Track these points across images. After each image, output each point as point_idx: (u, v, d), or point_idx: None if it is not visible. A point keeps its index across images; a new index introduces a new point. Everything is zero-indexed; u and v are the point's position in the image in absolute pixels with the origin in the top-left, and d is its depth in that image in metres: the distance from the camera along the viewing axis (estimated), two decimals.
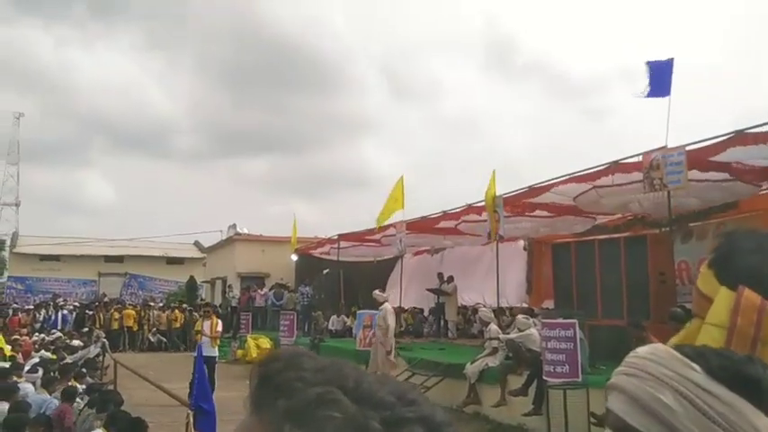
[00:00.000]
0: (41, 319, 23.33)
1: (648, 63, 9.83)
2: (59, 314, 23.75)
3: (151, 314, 24.24)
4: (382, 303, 12.16)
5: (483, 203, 13.47)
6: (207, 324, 13.12)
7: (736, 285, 1.13)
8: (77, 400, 8.40)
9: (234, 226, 30.04)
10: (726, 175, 10.23)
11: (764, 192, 11.91)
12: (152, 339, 23.50)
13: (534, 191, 12.63)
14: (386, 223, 17.53)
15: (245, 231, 29.11)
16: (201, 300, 28.01)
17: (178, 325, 23.49)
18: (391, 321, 11.87)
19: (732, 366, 0.73)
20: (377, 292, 12.57)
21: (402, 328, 18.77)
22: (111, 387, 10.04)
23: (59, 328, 21.24)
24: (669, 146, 9.52)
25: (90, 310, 24.75)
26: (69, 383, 9.13)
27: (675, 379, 0.74)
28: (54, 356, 12.85)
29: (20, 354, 13.09)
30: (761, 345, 1.10)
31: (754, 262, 1.14)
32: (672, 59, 9.78)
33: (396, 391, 0.55)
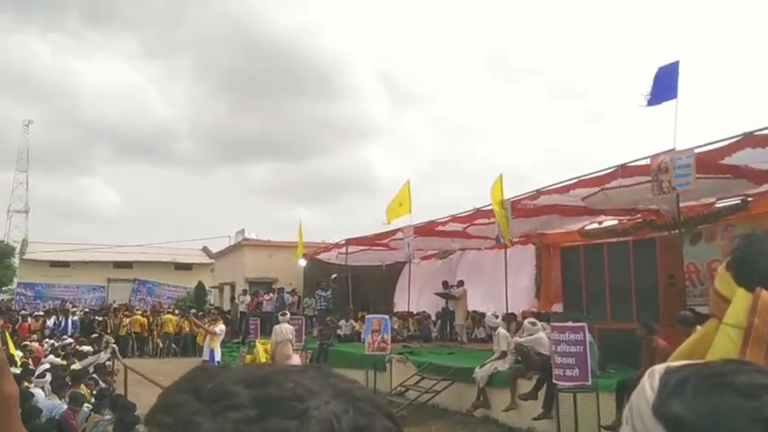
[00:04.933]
0: (51, 325, 23.39)
1: (659, 69, 9.80)
2: (69, 320, 23.81)
3: (159, 320, 24.29)
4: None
5: (491, 207, 13.48)
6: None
7: (753, 287, 1.14)
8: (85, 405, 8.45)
9: (242, 231, 30.09)
10: (731, 176, 10.25)
11: None
12: (161, 345, 23.57)
13: (542, 194, 12.65)
14: (392, 227, 17.56)
15: (254, 237, 29.14)
16: (210, 305, 28.09)
17: (187, 330, 23.52)
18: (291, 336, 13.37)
19: (665, 404, 0.73)
20: (280, 316, 13.92)
21: (409, 333, 18.80)
22: (120, 393, 10.07)
23: (69, 333, 21.29)
24: (677, 148, 9.50)
25: (98, 315, 24.83)
26: (77, 389, 9.19)
27: (635, 409, 0.75)
28: (64, 362, 12.91)
29: (30, 360, 13.15)
30: None
31: None
32: (677, 62, 9.76)
33: (249, 379, 0.54)
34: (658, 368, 0.79)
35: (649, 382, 0.76)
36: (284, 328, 13.23)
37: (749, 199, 12.00)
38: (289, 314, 14.74)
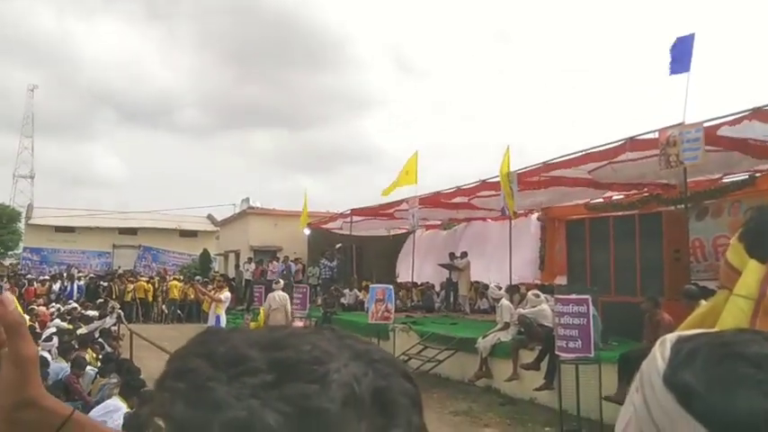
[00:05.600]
0: (57, 289, 23.58)
1: (677, 39, 9.68)
2: (75, 285, 24.00)
3: (165, 286, 24.45)
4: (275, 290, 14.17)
5: (497, 179, 13.43)
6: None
7: (765, 259, 1.13)
8: (88, 369, 8.56)
9: (247, 200, 30.18)
10: (739, 153, 10.17)
11: None
12: (166, 311, 23.75)
13: (548, 167, 12.59)
14: (397, 198, 17.56)
15: (258, 205, 29.20)
16: (215, 272, 28.25)
17: (192, 297, 23.69)
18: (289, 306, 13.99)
19: (676, 373, 0.71)
20: (274, 285, 14.77)
21: (412, 303, 18.90)
22: (125, 357, 10.18)
23: (75, 298, 21.47)
24: (686, 122, 9.42)
25: (104, 281, 25.01)
26: (83, 353, 9.30)
27: (645, 378, 0.74)
28: (70, 326, 13.04)
29: (36, 323, 13.28)
30: None
31: None
32: (693, 35, 9.64)
33: (264, 341, 0.52)
34: (670, 337, 0.79)
35: (660, 352, 0.76)
36: (278, 296, 13.76)
37: (757, 174, 11.93)
38: (282, 282, 15.25)
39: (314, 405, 0.47)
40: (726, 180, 12.60)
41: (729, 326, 1.10)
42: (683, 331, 0.88)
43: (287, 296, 14.11)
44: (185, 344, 0.55)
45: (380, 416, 0.49)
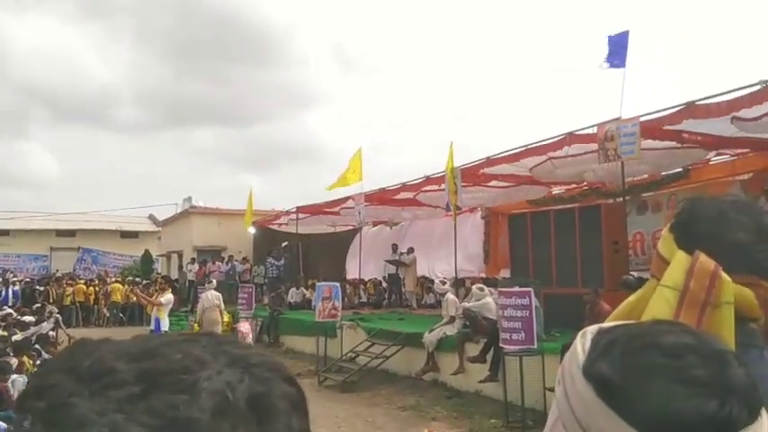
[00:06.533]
0: None
1: (608, 37, 9.96)
2: (10, 290, 23.16)
3: (106, 288, 23.85)
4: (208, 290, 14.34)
5: (441, 175, 13.56)
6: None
7: (693, 250, 1.15)
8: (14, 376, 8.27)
9: (189, 199, 29.62)
10: (676, 144, 10.48)
11: (714, 162, 12.27)
12: (108, 314, 23.16)
13: (491, 162, 12.76)
14: (344, 195, 17.54)
15: (201, 204, 28.72)
16: (158, 274, 27.68)
17: (135, 299, 23.16)
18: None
19: (594, 365, 0.72)
20: (207, 284, 15.13)
21: (360, 300, 18.90)
22: None
23: (10, 304, 20.72)
24: (623, 117, 9.67)
25: (40, 285, 24.24)
26: (19, 360, 8.98)
27: (566, 370, 0.75)
28: (5, 333, 12.57)
29: None
30: (710, 308, 1.12)
31: (712, 229, 1.17)
32: (627, 32, 9.90)
33: (133, 352, 0.50)
34: (590, 329, 0.79)
35: (581, 344, 0.76)
36: (210, 295, 14.01)
37: (690, 167, 12.33)
38: (215, 282, 15.63)
39: (182, 416, 0.45)
40: (662, 173, 12.98)
41: (654, 316, 1.13)
42: (611, 321, 0.89)
43: (219, 295, 14.27)
44: (53, 358, 0.53)
45: (257, 423, 0.48)
